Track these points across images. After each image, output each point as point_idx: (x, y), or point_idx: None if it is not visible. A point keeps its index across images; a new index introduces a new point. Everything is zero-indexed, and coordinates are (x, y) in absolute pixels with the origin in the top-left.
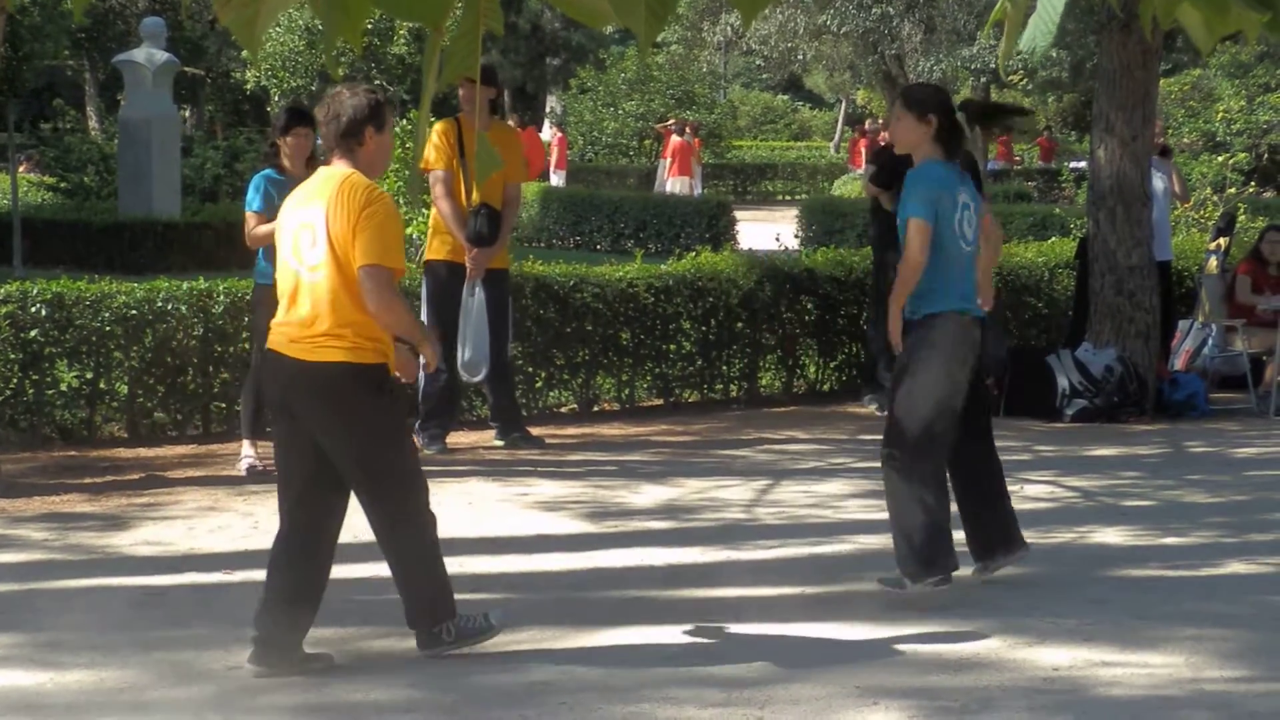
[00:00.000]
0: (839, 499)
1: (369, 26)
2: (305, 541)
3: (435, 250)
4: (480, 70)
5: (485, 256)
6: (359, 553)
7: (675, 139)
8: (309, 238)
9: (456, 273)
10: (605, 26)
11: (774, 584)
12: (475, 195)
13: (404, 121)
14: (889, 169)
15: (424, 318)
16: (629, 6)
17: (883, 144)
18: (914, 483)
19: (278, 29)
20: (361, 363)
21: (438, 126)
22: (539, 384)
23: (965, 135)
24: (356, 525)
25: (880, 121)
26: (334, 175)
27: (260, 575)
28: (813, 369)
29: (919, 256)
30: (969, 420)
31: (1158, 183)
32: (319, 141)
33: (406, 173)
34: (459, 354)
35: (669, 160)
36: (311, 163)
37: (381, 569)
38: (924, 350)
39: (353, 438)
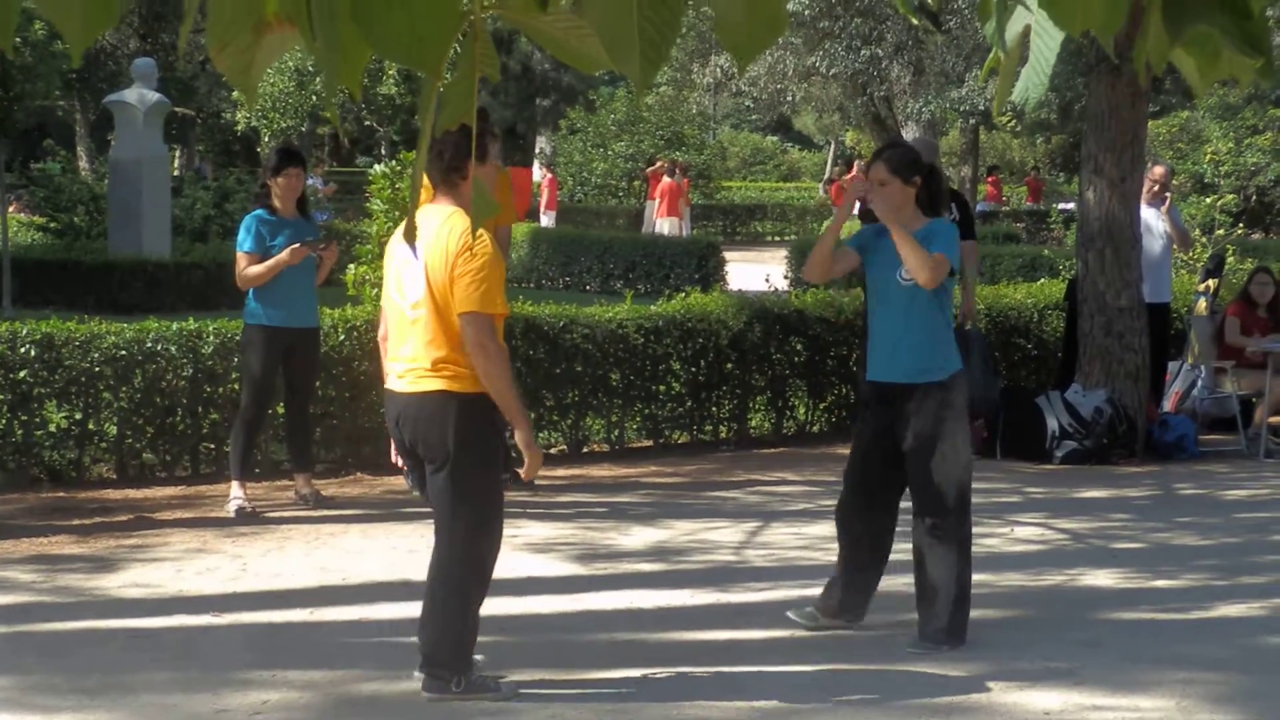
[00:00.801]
0: (829, 541)
1: None
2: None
3: None
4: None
5: None
6: (349, 595)
7: (665, 180)
8: (410, 275)
9: None
10: (598, 71)
11: (764, 626)
12: None
13: (393, 163)
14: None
15: None
16: (624, 52)
17: None
18: (957, 551)
19: (268, 70)
20: (463, 391)
21: None
22: None
23: (946, 185)
24: (346, 567)
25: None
26: (435, 214)
27: (248, 617)
28: (802, 410)
29: (944, 269)
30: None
31: (1159, 224)
32: (309, 181)
33: (397, 214)
34: None
35: (657, 201)
36: (302, 203)
37: (371, 611)
38: (949, 412)
39: (447, 462)
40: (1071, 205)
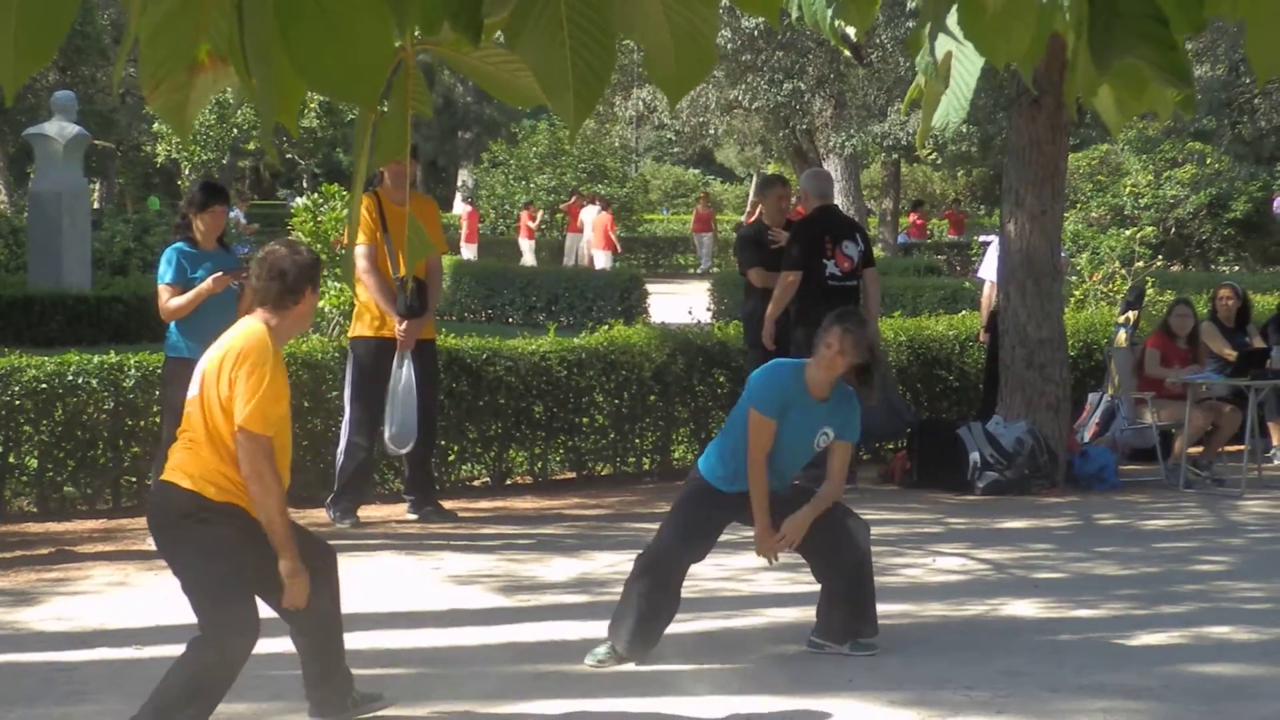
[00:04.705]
0: (751, 572)
1: None
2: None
3: (361, 328)
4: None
5: (416, 328)
6: (271, 627)
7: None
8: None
9: (383, 348)
10: (531, 106)
11: (687, 658)
12: (403, 268)
13: (315, 195)
14: (748, 246)
15: (346, 395)
16: (557, 89)
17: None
18: None
19: None
20: (174, 484)
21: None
22: (451, 457)
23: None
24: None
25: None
26: (241, 327)
27: (172, 650)
28: None
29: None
30: None
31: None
32: (232, 214)
33: (319, 246)
34: (386, 428)
35: (588, 233)
36: (222, 236)
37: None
38: None
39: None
40: (992, 238)
